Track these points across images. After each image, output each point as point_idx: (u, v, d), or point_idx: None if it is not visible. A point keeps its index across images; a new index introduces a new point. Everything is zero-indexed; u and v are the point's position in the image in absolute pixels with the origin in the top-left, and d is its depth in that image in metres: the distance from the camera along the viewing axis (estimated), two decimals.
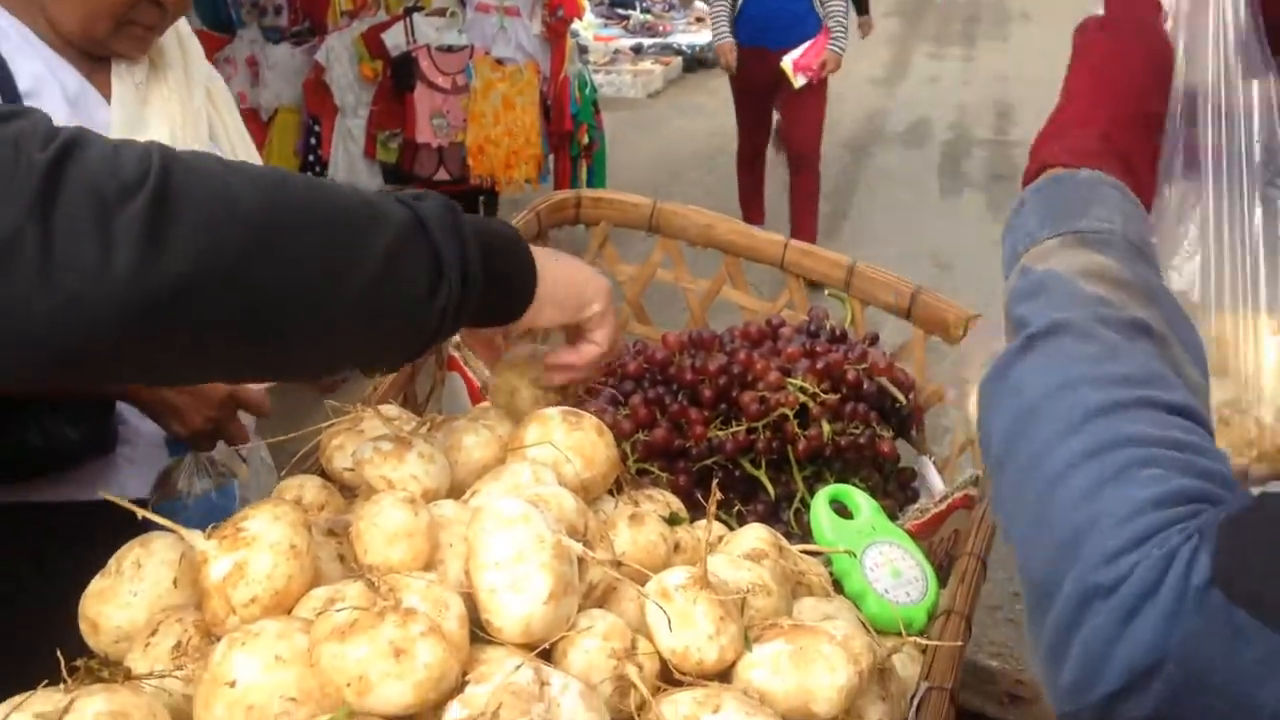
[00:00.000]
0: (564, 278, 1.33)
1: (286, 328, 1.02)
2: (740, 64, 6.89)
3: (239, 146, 2.07)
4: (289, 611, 1.11)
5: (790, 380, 1.74)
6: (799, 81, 6.65)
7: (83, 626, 1.16)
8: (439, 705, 0.99)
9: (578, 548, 1.08)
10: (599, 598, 1.19)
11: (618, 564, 1.07)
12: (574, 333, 1.44)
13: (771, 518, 1.68)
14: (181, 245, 0.92)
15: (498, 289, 1.20)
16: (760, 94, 7.01)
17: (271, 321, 1.01)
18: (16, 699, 0.94)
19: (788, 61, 6.65)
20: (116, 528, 1.17)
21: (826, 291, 2.00)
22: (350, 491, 1.40)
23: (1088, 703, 0.79)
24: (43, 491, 1.74)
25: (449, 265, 1.11)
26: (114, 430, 1.81)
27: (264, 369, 1.13)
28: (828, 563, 1.47)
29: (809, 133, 6.99)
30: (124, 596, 1.15)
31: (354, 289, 1.04)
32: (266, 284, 0.99)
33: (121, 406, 1.83)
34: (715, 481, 1.12)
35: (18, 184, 0.86)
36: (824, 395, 1.72)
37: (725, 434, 1.72)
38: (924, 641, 1.23)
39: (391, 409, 1.49)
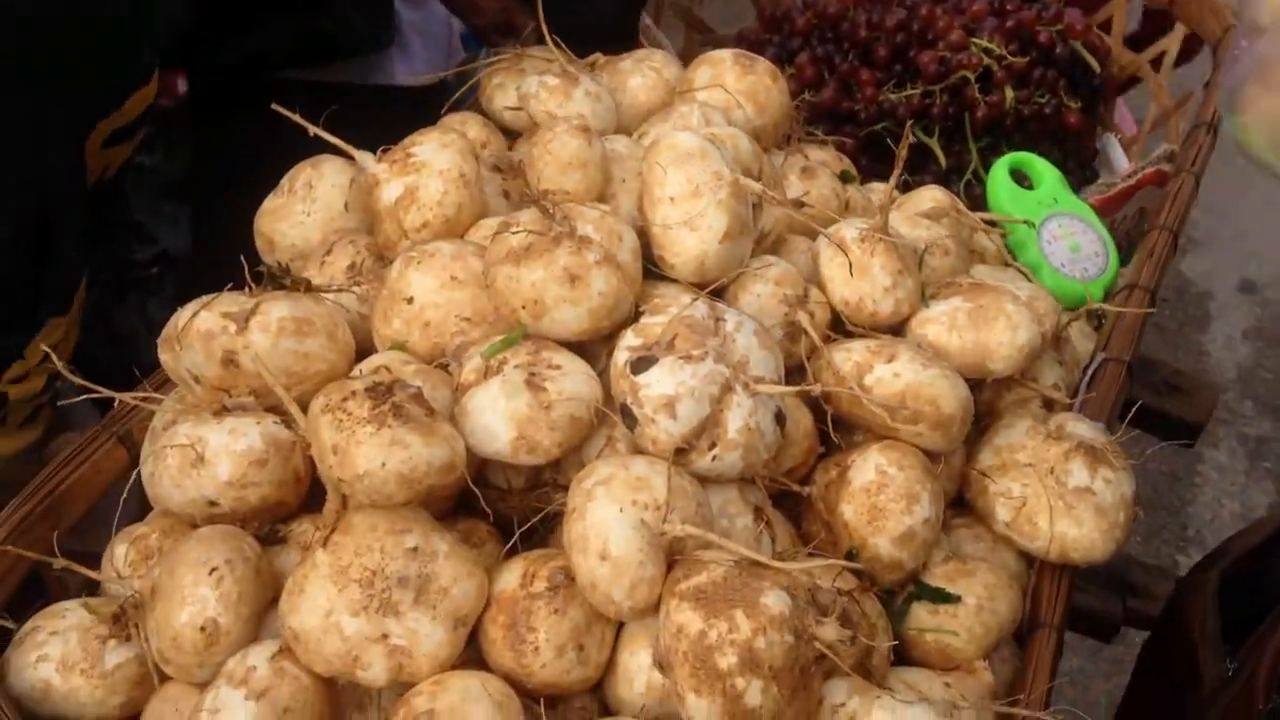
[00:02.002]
0: None
1: None
2: None
3: None
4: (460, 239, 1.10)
5: (974, 40, 1.60)
6: None
7: (259, 243, 1.18)
8: (612, 334, 0.99)
9: (756, 187, 1.03)
10: (770, 246, 1.15)
11: (799, 204, 1.02)
12: None
13: None
14: None
15: None
16: None
17: None
18: (205, 298, 0.96)
19: None
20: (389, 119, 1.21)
21: None
22: (510, 134, 1.37)
23: None
24: (330, 73, 1.90)
25: None
26: (393, 25, 1.95)
27: None
28: (1002, 234, 1.40)
29: None
30: (297, 216, 1.16)
31: None
32: None
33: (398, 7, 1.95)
34: (911, 125, 1.04)
35: None
36: (1010, 58, 1.59)
37: (898, 97, 1.62)
38: (1110, 308, 1.18)
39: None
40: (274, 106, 1.06)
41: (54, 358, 0.96)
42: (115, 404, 1.05)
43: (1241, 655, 1.16)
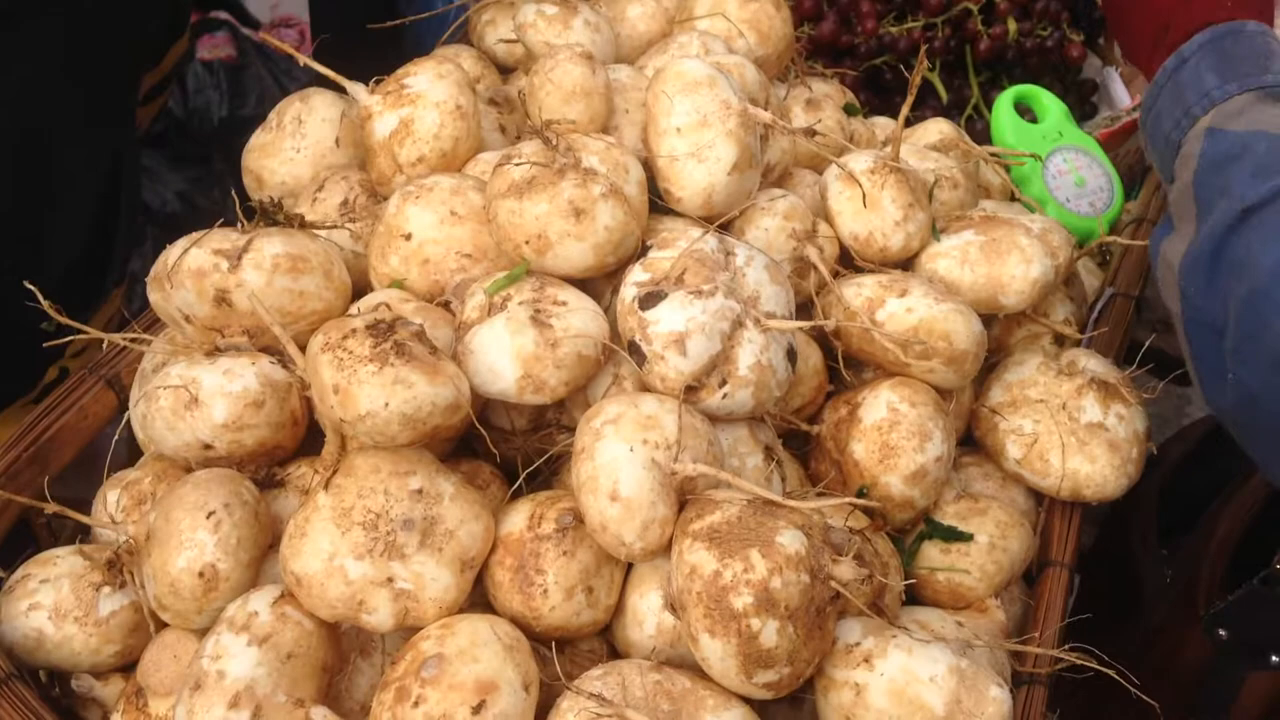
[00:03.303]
0: None
1: None
2: None
3: None
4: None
5: None
6: None
7: (246, 180, 1.14)
8: (617, 270, 0.96)
9: (765, 116, 1.00)
10: (775, 180, 1.12)
11: (811, 132, 0.98)
12: None
13: None
14: None
15: None
16: None
17: None
18: (195, 235, 0.93)
19: None
20: None
21: None
22: (503, 71, 1.33)
23: None
24: None
25: None
26: None
27: None
28: (1006, 168, 1.37)
29: None
30: (286, 152, 1.12)
31: None
32: None
33: None
34: (925, 49, 1.00)
35: None
36: None
37: (899, 29, 1.58)
38: (1121, 240, 1.15)
39: None
40: (261, 35, 1.02)
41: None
42: (103, 345, 1.01)
43: (1179, 561, 1.17)
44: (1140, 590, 1.24)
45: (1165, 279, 0.92)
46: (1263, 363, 0.80)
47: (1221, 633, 1.09)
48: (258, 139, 1.14)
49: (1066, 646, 0.88)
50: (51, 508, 0.91)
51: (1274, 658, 1.10)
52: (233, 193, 0.97)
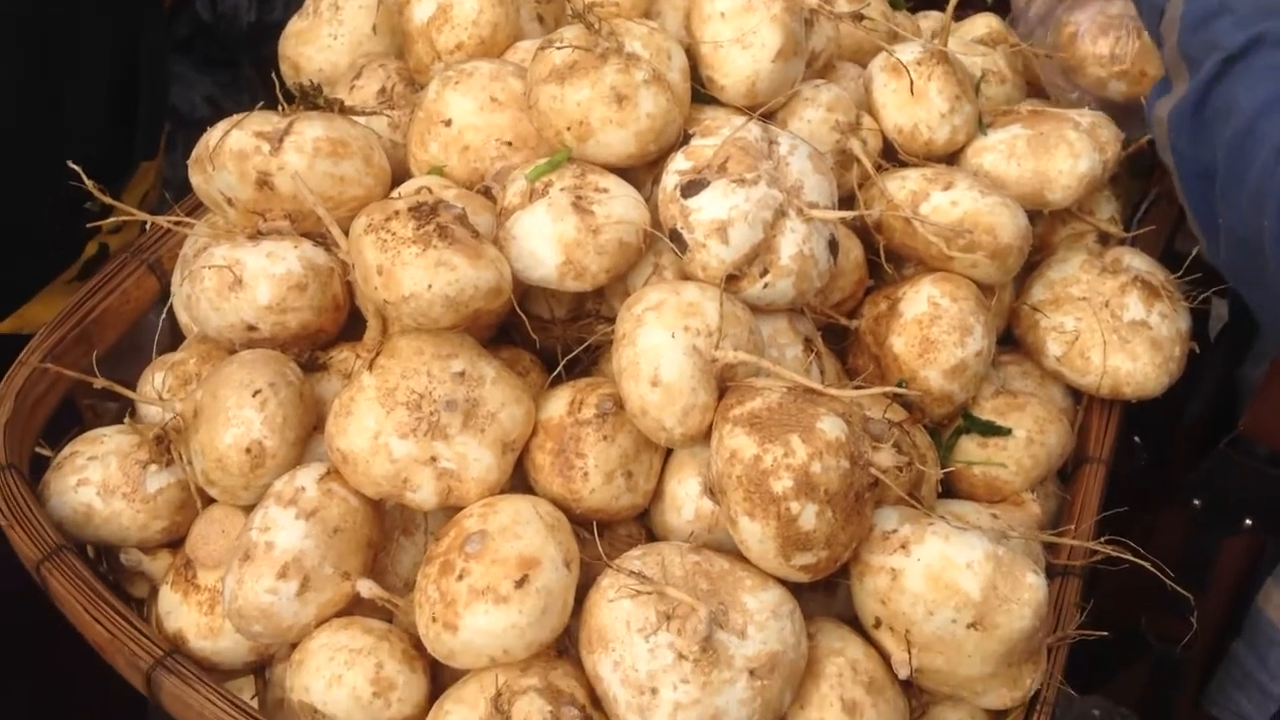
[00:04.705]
0: None
1: None
2: None
3: None
4: None
5: None
6: None
7: (283, 68, 1.13)
8: (659, 158, 0.95)
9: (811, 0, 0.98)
10: (818, 72, 1.10)
11: (859, 17, 0.96)
12: None
13: None
14: None
15: None
16: None
17: None
18: (235, 117, 0.92)
19: None
20: None
21: None
22: None
23: None
24: None
25: None
26: None
27: None
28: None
29: None
30: (323, 39, 1.11)
31: None
32: None
33: None
34: None
35: None
36: None
37: None
38: None
39: None
40: None
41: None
42: (147, 226, 1.02)
43: (1151, 447, 1.19)
44: (1116, 477, 1.27)
45: (1161, 137, 0.96)
46: (1246, 201, 0.83)
47: (1196, 502, 1.12)
48: (294, 25, 1.13)
49: (1104, 539, 0.89)
50: (101, 383, 0.92)
51: (1247, 521, 1.13)
52: (273, 76, 0.96)
